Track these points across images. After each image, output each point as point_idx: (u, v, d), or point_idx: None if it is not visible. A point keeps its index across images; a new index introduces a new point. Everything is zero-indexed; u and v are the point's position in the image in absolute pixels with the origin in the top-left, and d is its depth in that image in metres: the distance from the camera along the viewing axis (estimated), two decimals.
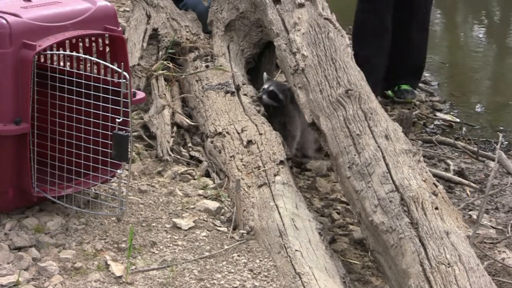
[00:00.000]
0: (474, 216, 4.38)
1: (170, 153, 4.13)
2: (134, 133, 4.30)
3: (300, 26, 4.37)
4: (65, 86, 3.34)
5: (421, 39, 5.97)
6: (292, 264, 3.17)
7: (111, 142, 3.28)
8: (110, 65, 3.30)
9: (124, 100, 3.22)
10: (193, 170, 4.05)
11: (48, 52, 3.38)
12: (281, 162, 3.87)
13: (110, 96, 3.28)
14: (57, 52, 3.48)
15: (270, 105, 4.54)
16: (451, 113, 6.34)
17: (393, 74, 5.89)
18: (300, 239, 3.32)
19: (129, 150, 3.25)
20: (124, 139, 3.22)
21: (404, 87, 6.00)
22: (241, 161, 3.92)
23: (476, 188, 4.87)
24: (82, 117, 3.35)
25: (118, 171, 3.43)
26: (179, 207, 3.68)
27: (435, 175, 3.91)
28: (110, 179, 3.60)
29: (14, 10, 3.29)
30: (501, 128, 6.04)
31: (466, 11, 10.15)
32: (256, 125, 4.17)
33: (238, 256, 3.33)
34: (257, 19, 4.98)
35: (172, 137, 4.28)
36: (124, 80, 3.19)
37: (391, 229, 3.15)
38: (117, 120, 3.21)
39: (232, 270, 3.22)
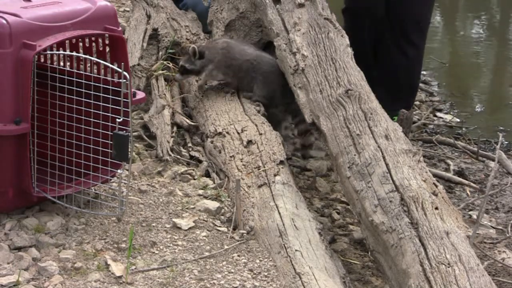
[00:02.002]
0: (474, 216, 4.38)
1: (170, 153, 4.13)
2: (134, 133, 4.30)
3: (300, 26, 4.37)
4: (65, 86, 3.34)
5: (409, 61, 5.26)
6: (292, 264, 3.16)
7: (111, 142, 3.27)
8: (111, 65, 3.30)
9: (124, 100, 3.22)
10: (193, 170, 4.05)
11: (48, 52, 3.38)
12: (281, 162, 3.87)
13: (110, 96, 3.28)
14: (57, 52, 3.48)
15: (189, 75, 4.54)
16: (451, 113, 6.34)
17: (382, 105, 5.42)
18: (300, 239, 3.32)
19: (129, 150, 3.25)
20: (125, 139, 3.22)
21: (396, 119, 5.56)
22: (241, 161, 3.92)
23: (476, 188, 4.87)
24: (82, 117, 3.35)
25: (119, 171, 3.43)
26: (179, 207, 3.68)
27: (435, 175, 3.91)
28: (110, 179, 3.59)
29: (14, 10, 3.29)
30: (501, 128, 6.04)
31: (466, 11, 10.15)
32: (256, 125, 4.17)
33: (238, 256, 3.33)
34: (257, 19, 4.98)
35: (172, 137, 4.28)
36: (124, 80, 3.19)
37: (391, 229, 3.15)
38: (117, 120, 3.21)
39: (232, 270, 3.22)
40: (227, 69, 4.50)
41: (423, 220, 3.12)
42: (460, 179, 4.94)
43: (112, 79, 3.37)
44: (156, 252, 3.32)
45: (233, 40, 4.84)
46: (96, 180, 3.48)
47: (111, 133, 3.26)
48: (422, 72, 7.02)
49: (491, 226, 4.38)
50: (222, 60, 4.49)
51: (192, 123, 4.44)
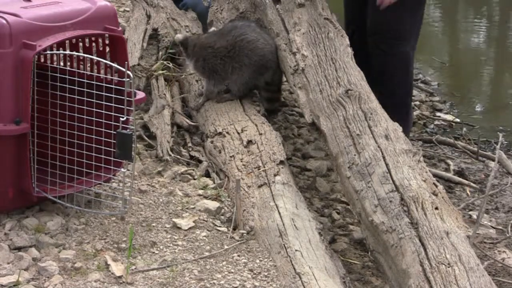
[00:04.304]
0: (474, 216, 4.38)
1: (170, 153, 4.13)
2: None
3: (300, 26, 4.37)
4: (66, 85, 3.34)
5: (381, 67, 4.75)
6: (292, 264, 3.16)
7: (113, 141, 3.27)
8: (114, 64, 3.30)
9: (126, 99, 3.22)
10: (193, 170, 4.05)
11: (48, 52, 3.38)
12: (281, 162, 3.87)
13: (112, 95, 3.27)
14: (57, 52, 3.48)
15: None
16: (451, 113, 6.34)
17: None
18: (300, 239, 3.32)
19: (133, 148, 3.25)
20: (128, 137, 3.22)
21: None
22: (241, 161, 3.92)
23: (476, 188, 4.88)
24: (82, 117, 3.35)
25: (122, 169, 3.43)
26: (179, 207, 3.68)
27: (435, 175, 3.91)
28: (112, 179, 3.59)
29: (14, 10, 3.29)
30: (501, 128, 6.04)
31: (466, 11, 10.15)
32: (256, 125, 4.17)
33: (238, 256, 3.33)
34: (257, 19, 4.99)
35: (172, 137, 4.28)
36: (128, 79, 3.19)
37: (391, 229, 3.15)
38: (120, 119, 3.21)
39: (232, 270, 3.22)
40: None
41: (423, 220, 3.12)
42: (460, 179, 4.94)
43: (113, 78, 3.37)
44: (156, 252, 3.32)
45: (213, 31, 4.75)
46: (97, 180, 3.48)
47: (114, 132, 3.26)
48: (421, 72, 7.03)
49: (491, 226, 4.38)
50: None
51: (192, 123, 4.44)
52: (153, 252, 3.31)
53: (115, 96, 3.27)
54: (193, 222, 3.55)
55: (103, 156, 3.34)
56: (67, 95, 3.34)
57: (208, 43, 4.46)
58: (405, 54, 4.73)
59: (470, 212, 4.53)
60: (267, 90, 4.59)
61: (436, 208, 3.19)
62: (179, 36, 4.53)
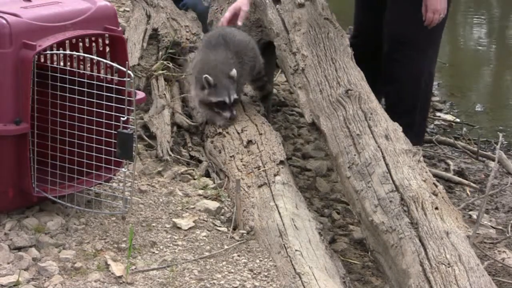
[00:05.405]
0: (474, 216, 4.39)
1: (170, 153, 4.13)
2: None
3: (300, 26, 4.37)
4: (66, 86, 3.34)
5: (396, 78, 4.63)
6: (292, 264, 3.16)
7: (113, 141, 3.27)
8: (114, 64, 3.30)
9: (127, 98, 3.22)
10: (193, 170, 4.05)
11: (48, 52, 3.38)
12: (281, 162, 3.87)
13: (113, 95, 3.27)
14: (57, 52, 3.48)
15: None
16: (451, 113, 6.35)
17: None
18: (300, 239, 3.32)
19: (134, 148, 3.25)
20: (129, 137, 3.22)
21: None
22: (241, 161, 3.92)
23: (476, 188, 4.88)
24: (83, 116, 3.35)
25: (122, 169, 3.43)
26: (179, 207, 3.68)
27: (435, 175, 3.91)
28: (112, 178, 3.59)
29: (14, 10, 3.29)
30: (501, 128, 6.05)
31: (466, 11, 10.15)
32: (256, 125, 4.17)
33: (238, 256, 3.33)
34: (257, 19, 4.99)
35: (172, 137, 4.28)
36: (129, 79, 3.19)
37: (391, 229, 3.15)
38: (121, 118, 3.21)
39: (232, 270, 3.22)
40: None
41: (423, 220, 3.12)
42: (460, 179, 4.95)
43: (113, 78, 3.37)
44: (156, 252, 3.32)
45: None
46: (98, 179, 3.47)
47: (114, 132, 3.26)
48: None
49: (491, 226, 4.39)
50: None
51: (192, 123, 4.44)
52: (153, 252, 3.31)
53: (115, 96, 3.27)
54: (193, 222, 3.55)
55: (103, 156, 3.34)
56: (67, 95, 3.35)
57: (228, 61, 4.24)
58: (418, 65, 4.58)
59: (470, 212, 4.53)
60: (257, 80, 4.55)
61: (436, 208, 3.19)
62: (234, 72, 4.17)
